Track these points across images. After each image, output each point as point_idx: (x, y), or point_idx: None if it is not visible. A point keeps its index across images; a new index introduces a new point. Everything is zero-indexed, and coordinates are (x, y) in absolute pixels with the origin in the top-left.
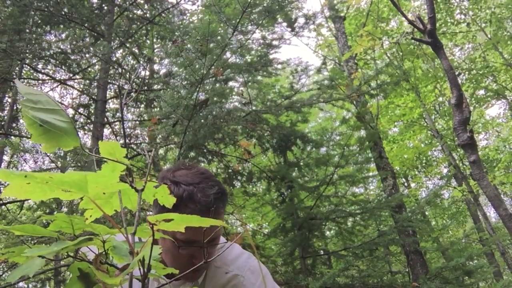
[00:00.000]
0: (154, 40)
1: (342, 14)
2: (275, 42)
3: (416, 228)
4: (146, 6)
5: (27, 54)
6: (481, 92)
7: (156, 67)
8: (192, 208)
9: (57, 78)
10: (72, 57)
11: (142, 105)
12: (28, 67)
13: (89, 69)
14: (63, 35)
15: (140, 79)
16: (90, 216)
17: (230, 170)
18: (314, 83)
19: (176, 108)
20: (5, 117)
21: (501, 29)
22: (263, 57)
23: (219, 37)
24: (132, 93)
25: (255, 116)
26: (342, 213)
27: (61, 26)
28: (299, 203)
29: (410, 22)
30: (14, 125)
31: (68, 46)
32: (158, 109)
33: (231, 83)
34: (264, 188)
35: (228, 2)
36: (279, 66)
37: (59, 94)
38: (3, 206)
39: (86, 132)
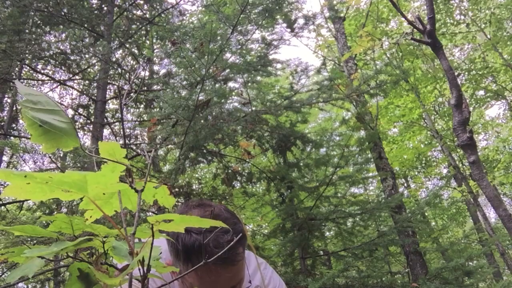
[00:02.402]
0: (154, 40)
1: (341, 15)
2: (274, 43)
3: (415, 229)
4: (145, 7)
5: (26, 55)
6: (481, 92)
7: (155, 67)
8: (209, 274)
9: (56, 79)
10: (72, 58)
11: (142, 106)
12: (28, 67)
13: (89, 69)
14: (63, 36)
15: (139, 80)
16: (90, 216)
17: (229, 171)
18: (314, 84)
19: (177, 109)
20: (5, 118)
21: (500, 30)
22: (263, 57)
23: (219, 37)
24: (131, 94)
25: (255, 117)
26: (341, 213)
27: (61, 26)
28: (298, 204)
29: (410, 22)
30: (13, 125)
31: (68, 47)
32: (157, 109)
33: (230, 84)
34: (264, 189)
35: (227, 2)
36: (279, 66)
37: (59, 94)
38: (2, 207)
39: (85, 132)
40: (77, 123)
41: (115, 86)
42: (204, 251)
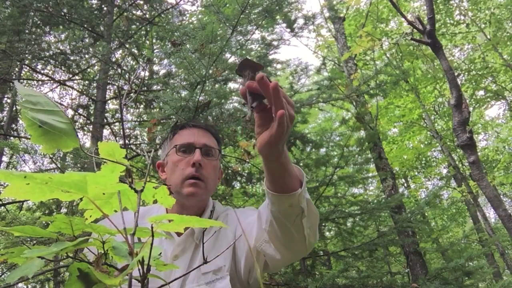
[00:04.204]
0: (154, 40)
1: (341, 15)
2: (274, 43)
3: (415, 229)
4: (145, 7)
5: (26, 55)
6: (481, 92)
7: (155, 67)
8: (185, 128)
9: (56, 79)
10: (72, 58)
11: (142, 106)
12: (28, 67)
13: (89, 69)
14: (63, 36)
15: (139, 80)
16: (90, 216)
17: (229, 171)
18: (314, 84)
19: (178, 110)
20: (5, 118)
21: (500, 30)
22: (262, 57)
23: (219, 38)
24: (131, 94)
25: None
26: (341, 213)
27: (61, 26)
28: None
29: (410, 22)
30: (13, 126)
31: (68, 47)
32: (157, 110)
33: (230, 84)
34: (264, 189)
35: (227, 2)
36: (279, 67)
37: (59, 94)
38: (2, 207)
39: (85, 132)
40: (77, 124)
41: (115, 86)
42: (186, 124)
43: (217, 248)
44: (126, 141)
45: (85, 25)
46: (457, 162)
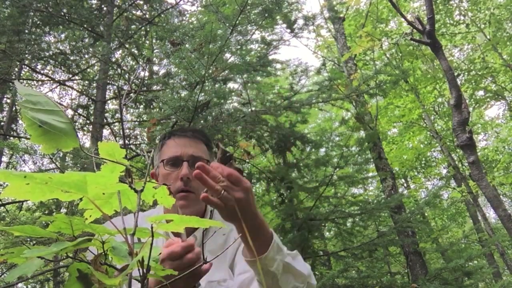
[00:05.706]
0: (153, 40)
1: (341, 15)
2: (274, 43)
3: (415, 229)
4: (145, 7)
5: (26, 55)
6: (480, 93)
7: (155, 67)
8: (172, 138)
9: (56, 79)
10: (71, 58)
11: (141, 106)
12: (27, 67)
13: (88, 69)
14: (62, 36)
15: (139, 80)
16: (90, 216)
17: None
18: (314, 84)
19: (177, 110)
20: (4, 118)
21: (500, 30)
22: (262, 57)
23: (218, 38)
24: (131, 94)
25: (255, 117)
26: (341, 213)
27: (60, 27)
28: (298, 204)
29: (409, 23)
30: (13, 126)
31: (67, 47)
32: (157, 110)
33: (230, 84)
34: (264, 189)
35: (226, 2)
36: (279, 67)
37: (58, 94)
38: (2, 207)
39: (85, 133)
40: (76, 124)
41: (115, 87)
42: (173, 132)
43: (221, 263)
44: (126, 141)
45: (85, 25)
46: (457, 162)
